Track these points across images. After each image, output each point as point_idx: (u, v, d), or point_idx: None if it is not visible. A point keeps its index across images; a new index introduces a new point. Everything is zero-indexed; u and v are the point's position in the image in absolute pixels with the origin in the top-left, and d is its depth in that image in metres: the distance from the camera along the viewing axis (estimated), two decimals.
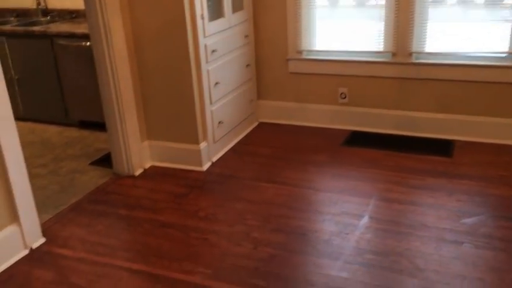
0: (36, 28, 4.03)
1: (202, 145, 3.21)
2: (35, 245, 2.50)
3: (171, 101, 3.14)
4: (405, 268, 2.19)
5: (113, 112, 3.06)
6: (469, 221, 2.51)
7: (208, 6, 3.06)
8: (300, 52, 3.70)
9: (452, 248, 2.31)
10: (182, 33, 2.94)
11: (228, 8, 3.32)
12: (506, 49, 3.20)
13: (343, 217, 2.61)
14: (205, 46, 3.08)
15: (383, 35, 3.44)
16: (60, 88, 4.01)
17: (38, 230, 2.53)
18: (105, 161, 3.40)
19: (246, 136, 3.72)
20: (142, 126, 3.24)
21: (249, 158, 3.38)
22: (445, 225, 2.49)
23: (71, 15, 4.31)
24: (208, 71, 3.14)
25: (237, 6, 3.44)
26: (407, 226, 2.50)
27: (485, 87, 3.31)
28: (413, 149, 3.34)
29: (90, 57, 3.13)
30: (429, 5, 3.27)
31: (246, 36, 3.61)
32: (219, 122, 3.34)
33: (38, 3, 4.42)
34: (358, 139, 3.57)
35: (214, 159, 3.34)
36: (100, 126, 3.58)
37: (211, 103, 3.22)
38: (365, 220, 2.57)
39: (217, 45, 3.21)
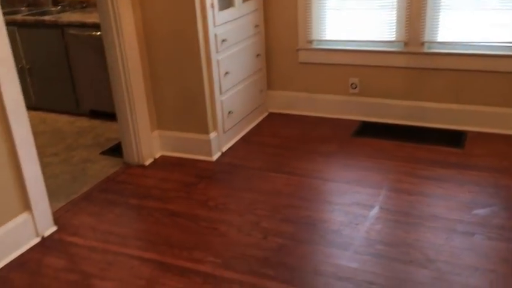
0: (47, 18, 4.04)
1: (212, 135, 3.21)
2: (46, 233, 2.53)
3: (181, 90, 3.14)
4: (416, 259, 2.18)
5: (123, 102, 3.07)
6: (481, 212, 2.49)
7: None
8: (310, 42, 3.67)
9: (463, 239, 2.30)
10: (192, 22, 2.92)
11: None
12: None
13: (353, 207, 2.60)
14: (215, 36, 3.07)
15: (394, 24, 3.40)
16: (71, 78, 4.03)
17: (49, 218, 2.56)
18: (115, 150, 3.42)
19: (255, 126, 3.71)
20: (152, 116, 3.25)
21: (258, 148, 3.38)
22: (456, 216, 2.47)
23: (82, 4, 4.32)
24: (218, 61, 3.13)
25: None
26: (417, 217, 2.49)
27: (498, 77, 3.26)
28: (425, 139, 3.31)
29: (101, 47, 3.13)
30: None
31: (256, 26, 3.59)
32: (229, 112, 3.33)
33: None
34: (368, 129, 3.54)
35: (224, 149, 3.34)
36: (111, 116, 3.59)
37: (221, 93, 3.22)
38: (375, 211, 2.56)
39: (227, 34, 3.20)
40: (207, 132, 3.19)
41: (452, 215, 2.48)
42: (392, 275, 2.10)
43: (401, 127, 3.53)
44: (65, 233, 2.54)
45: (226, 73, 3.24)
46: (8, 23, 2.55)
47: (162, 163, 3.24)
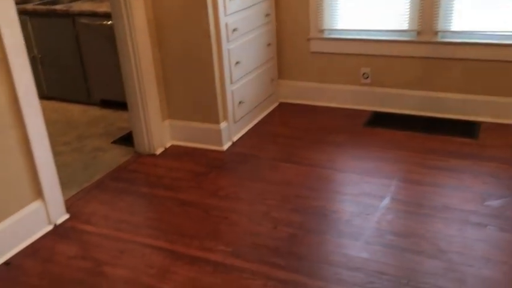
0: (58, 7, 4.05)
1: (223, 125, 3.21)
2: (59, 221, 2.55)
3: (192, 80, 3.13)
4: (427, 249, 2.17)
5: (134, 91, 3.07)
6: (494, 203, 2.46)
7: None
8: (321, 31, 3.64)
9: (476, 230, 2.28)
10: (203, 11, 2.91)
11: None
12: None
13: (364, 198, 2.58)
14: (226, 25, 3.05)
15: (407, 13, 3.35)
16: (83, 67, 4.05)
17: (62, 206, 2.58)
18: (127, 139, 3.43)
19: (266, 116, 3.70)
20: (163, 106, 3.25)
21: (269, 138, 3.37)
22: (469, 207, 2.44)
23: None
24: (228, 50, 3.11)
25: None
26: (429, 208, 2.47)
27: None
28: (438, 130, 3.28)
29: (112, 36, 3.13)
30: None
31: (267, 15, 3.56)
32: (240, 102, 3.32)
33: None
34: (380, 120, 3.51)
35: (235, 138, 3.34)
36: (122, 105, 3.60)
37: (231, 83, 3.20)
38: (387, 201, 2.54)
39: (238, 23, 3.18)
40: (217, 121, 3.18)
41: (465, 206, 2.46)
42: (403, 265, 2.09)
43: (413, 117, 3.50)
44: (77, 221, 2.57)
45: (237, 62, 3.22)
46: (20, 13, 2.56)
47: (173, 152, 3.25)
